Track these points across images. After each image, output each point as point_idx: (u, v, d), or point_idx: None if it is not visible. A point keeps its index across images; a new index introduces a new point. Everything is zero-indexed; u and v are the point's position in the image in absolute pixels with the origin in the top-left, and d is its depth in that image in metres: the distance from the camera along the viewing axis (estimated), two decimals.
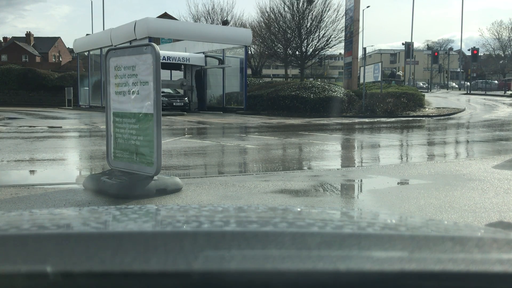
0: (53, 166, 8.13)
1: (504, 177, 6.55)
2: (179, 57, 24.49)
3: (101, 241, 0.79)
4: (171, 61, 23.96)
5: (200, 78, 25.81)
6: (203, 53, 26.07)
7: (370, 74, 23.15)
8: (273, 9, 36.08)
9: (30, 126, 15.29)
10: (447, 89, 50.98)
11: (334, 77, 65.64)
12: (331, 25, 34.24)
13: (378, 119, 19.83)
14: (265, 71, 60.33)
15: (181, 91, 25.32)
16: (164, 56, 22.90)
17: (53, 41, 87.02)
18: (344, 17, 31.60)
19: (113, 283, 0.67)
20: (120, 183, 5.30)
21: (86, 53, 29.43)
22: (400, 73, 50.93)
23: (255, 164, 8.94)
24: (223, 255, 0.71)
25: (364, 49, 28.31)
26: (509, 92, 38.62)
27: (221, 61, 25.81)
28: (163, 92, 20.38)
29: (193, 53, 25.71)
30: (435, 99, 30.43)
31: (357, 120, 19.82)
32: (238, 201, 5.15)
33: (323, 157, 9.76)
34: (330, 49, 37.20)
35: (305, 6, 34.51)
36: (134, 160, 5.54)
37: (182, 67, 25.94)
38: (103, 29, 37.57)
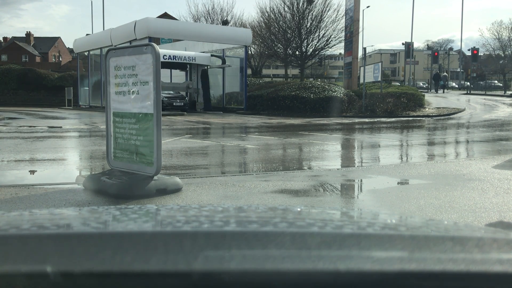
0: (53, 166, 8.13)
1: (504, 177, 6.55)
2: (184, 56, 24.13)
3: (101, 241, 0.79)
4: (177, 61, 23.56)
5: (206, 78, 25.56)
6: (204, 52, 25.98)
7: (370, 74, 23.14)
8: (273, 9, 36.13)
9: (30, 126, 15.28)
10: (447, 89, 50.97)
11: (334, 77, 65.68)
12: (331, 25, 34.27)
13: (378, 119, 19.83)
14: (265, 71, 60.32)
15: (182, 92, 25.26)
16: (169, 56, 22.76)
17: (53, 41, 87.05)
18: (344, 17, 31.60)
19: (113, 283, 0.67)
20: (120, 183, 5.30)
21: (86, 53, 29.43)
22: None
23: (255, 164, 8.94)
24: (223, 255, 0.71)
25: (364, 49, 28.34)
26: (509, 92, 38.61)
27: (224, 61, 25.71)
28: (163, 92, 20.34)
29: (199, 53, 25.48)
30: (435, 99, 30.42)
31: (357, 120, 19.81)
32: (238, 201, 5.15)
33: (323, 157, 9.76)
34: (330, 49, 37.26)
35: (305, 6, 34.52)
36: (134, 160, 5.54)
37: (188, 66, 25.78)
38: (103, 29, 37.60)
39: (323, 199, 5.46)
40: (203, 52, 25.93)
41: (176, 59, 23.38)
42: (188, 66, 25.76)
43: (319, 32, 34.69)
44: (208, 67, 25.75)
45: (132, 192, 5.20)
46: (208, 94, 25.60)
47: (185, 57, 24.09)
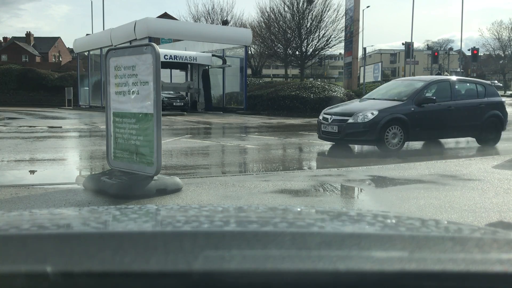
0: (53, 166, 8.13)
1: (504, 177, 6.55)
2: (186, 56, 23.99)
3: (101, 241, 0.79)
4: (178, 60, 23.43)
5: (207, 78, 25.45)
6: (204, 52, 25.96)
7: (370, 74, 23.19)
8: (273, 9, 36.16)
9: (30, 126, 15.28)
10: None
11: (334, 77, 65.69)
12: (331, 25, 34.27)
13: None
14: (265, 71, 60.34)
15: (183, 92, 25.23)
16: (170, 55, 22.72)
17: (53, 41, 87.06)
18: (344, 17, 31.64)
19: (113, 283, 0.67)
20: (120, 183, 5.30)
21: (86, 53, 29.45)
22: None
23: (255, 164, 8.94)
24: (223, 255, 0.71)
25: (364, 49, 28.35)
26: (509, 92, 38.64)
27: (225, 61, 25.68)
28: (163, 92, 20.33)
29: (200, 52, 25.42)
30: None
31: None
32: (238, 201, 5.15)
33: (323, 157, 9.75)
34: (330, 49, 37.22)
35: (305, 6, 34.53)
36: (134, 160, 5.54)
37: (188, 66, 25.72)
38: (103, 29, 37.58)
39: (323, 199, 5.46)
40: (203, 52, 25.92)
41: (177, 59, 23.32)
42: (188, 66, 25.74)
43: (319, 32, 34.70)
44: (210, 67, 25.70)
45: (132, 192, 5.20)
46: (209, 94, 25.57)
47: (186, 57, 24.05)
